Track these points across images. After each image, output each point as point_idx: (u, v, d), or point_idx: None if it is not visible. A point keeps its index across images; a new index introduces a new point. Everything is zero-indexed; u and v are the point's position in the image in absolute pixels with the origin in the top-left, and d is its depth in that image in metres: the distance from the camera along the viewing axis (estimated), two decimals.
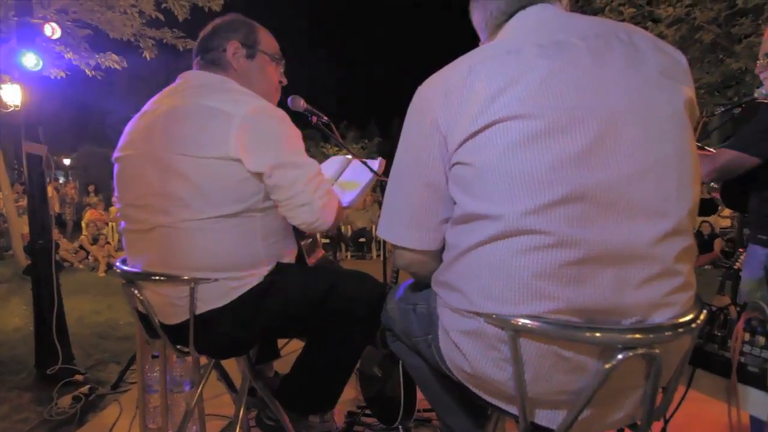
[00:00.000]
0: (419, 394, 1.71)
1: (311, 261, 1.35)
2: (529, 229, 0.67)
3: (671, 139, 0.70)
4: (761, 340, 0.91)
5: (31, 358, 2.75)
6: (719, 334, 0.98)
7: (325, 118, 1.59)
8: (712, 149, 1.68)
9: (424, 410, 1.97)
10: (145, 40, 6.49)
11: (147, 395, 1.58)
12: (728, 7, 5.69)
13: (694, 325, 0.69)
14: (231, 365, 1.56)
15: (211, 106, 1.05)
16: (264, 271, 1.12)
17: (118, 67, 6.79)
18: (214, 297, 1.07)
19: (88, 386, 2.48)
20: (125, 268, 1.13)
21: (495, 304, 0.70)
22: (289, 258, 1.22)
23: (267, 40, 1.26)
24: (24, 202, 6.48)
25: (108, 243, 7.00)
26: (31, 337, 2.78)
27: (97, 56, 6.58)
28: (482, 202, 0.71)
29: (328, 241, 7.85)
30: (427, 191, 0.79)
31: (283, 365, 1.71)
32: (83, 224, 8.20)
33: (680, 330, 0.67)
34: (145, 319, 1.17)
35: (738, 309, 0.98)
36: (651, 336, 0.65)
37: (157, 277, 1.07)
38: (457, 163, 0.74)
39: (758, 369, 0.90)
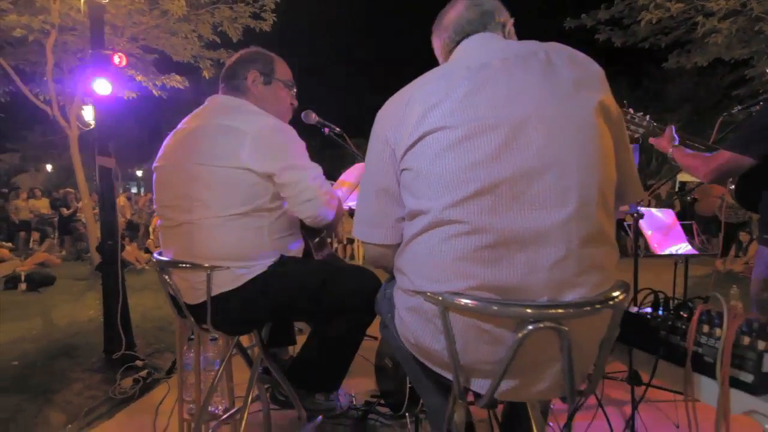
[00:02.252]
0: None
1: (318, 257, 1.52)
2: (450, 220, 0.80)
3: (574, 140, 0.80)
4: (718, 332, 0.95)
5: (101, 345, 3.15)
6: (683, 326, 1.02)
7: (338, 129, 1.78)
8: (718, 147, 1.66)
9: None
10: (203, 61, 7.12)
11: (185, 372, 1.82)
12: None
13: (605, 304, 0.77)
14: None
15: (227, 124, 1.28)
16: (269, 261, 1.30)
17: (180, 86, 7.49)
18: (226, 281, 1.27)
19: (146, 371, 2.81)
20: (159, 257, 1.37)
21: (429, 284, 0.83)
22: (295, 252, 1.40)
23: (282, 70, 1.48)
24: None
25: None
26: (102, 327, 3.18)
27: (162, 77, 7.31)
28: (419, 200, 0.86)
29: None
30: (383, 195, 0.95)
31: None
32: (150, 229, 9.03)
33: (586, 308, 0.75)
34: (175, 301, 1.40)
35: (702, 302, 1.02)
36: (553, 311, 0.74)
37: (182, 265, 1.29)
38: (404, 170, 0.89)
39: (713, 359, 0.94)
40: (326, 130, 1.75)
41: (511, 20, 1.01)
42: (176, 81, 7.42)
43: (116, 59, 3.05)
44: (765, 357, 0.87)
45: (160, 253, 1.39)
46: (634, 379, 1.92)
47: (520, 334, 0.75)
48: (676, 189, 10.71)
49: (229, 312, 1.29)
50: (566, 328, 0.75)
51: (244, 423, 1.48)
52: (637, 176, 0.98)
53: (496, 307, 0.76)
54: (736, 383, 0.89)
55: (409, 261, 0.89)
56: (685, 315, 1.05)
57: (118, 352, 3.03)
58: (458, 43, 0.98)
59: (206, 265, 1.25)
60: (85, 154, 6.98)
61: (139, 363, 2.96)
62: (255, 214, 1.27)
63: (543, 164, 0.79)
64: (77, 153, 6.75)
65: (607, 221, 0.83)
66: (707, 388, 0.93)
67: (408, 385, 1.81)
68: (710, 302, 0.99)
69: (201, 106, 1.42)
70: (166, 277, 1.34)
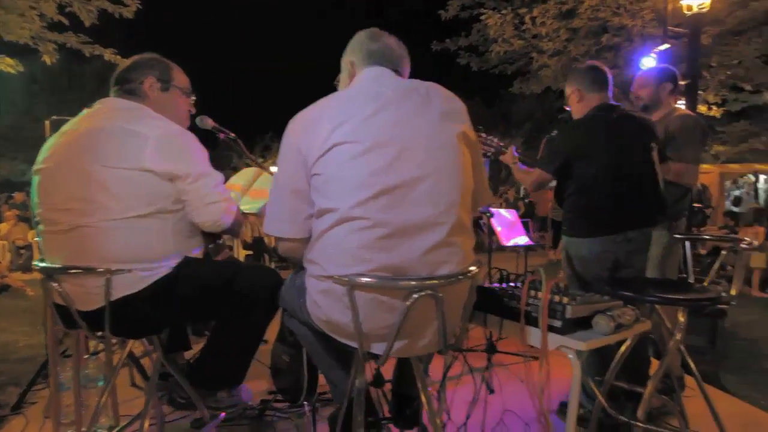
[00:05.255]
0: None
1: (217, 259, 1.57)
2: (355, 216, 1.02)
3: (444, 157, 1.08)
4: (540, 294, 1.32)
5: None
6: (518, 294, 1.38)
7: (232, 134, 1.83)
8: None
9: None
10: (45, 44, 6.09)
11: (60, 393, 1.66)
12: (596, 44, 6.82)
13: (466, 276, 1.06)
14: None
15: (128, 128, 1.29)
16: (173, 263, 1.33)
17: (12, 71, 6.28)
18: (127, 284, 1.26)
19: None
20: (44, 264, 1.28)
21: (337, 268, 1.03)
22: (197, 254, 1.44)
23: (180, 78, 1.52)
24: None
25: None
26: None
27: None
28: (328, 200, 1.05)
29: (251, 253, 7.82)
30: (295, 196, 1.11)
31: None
32: None
33: (453, 279, 1.03)
34: (62, 311, 1.32)
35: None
36: (432, 282, 1.00)
37: (76, 270, 1.24)
38: (314, 175, 1.07)
39: (537, 314, 1.30)
40: (221, 135, 1.79)
41: (408, 71, 1.28)
42: (7, 64, 6.20)
43: None
44: (567, 308, 1.25)
45: (41, 260, 1.29)
46: (490, 349, 2.42)
47: (408, 302, 0.99)
48: (521, 194, 12.74)
49: (132, 316, 1.28)
50: (441, 295, 1.01)
51: None
52: (488, 186, 1.31)
53: (391, 283, 0.99)
54: (551, 328, 1.27)
55: (320, 252, 1.07)
56: (520, 286, 1.41)
57: None
58: (362, 69, 1.20)
59: (104, 268, 1.23)
60: None
61: None
62: (158, 216, 1.29)
63: (423, 174, 1.04)
64: None
65: (466, 217, 1.12)
66: (535, 335, 1.29)
67: (306, 376, 1.94)
68: (535, 275, 1.36)
69: (92, 108, 1.38)
70: (55, 285, 1.26)
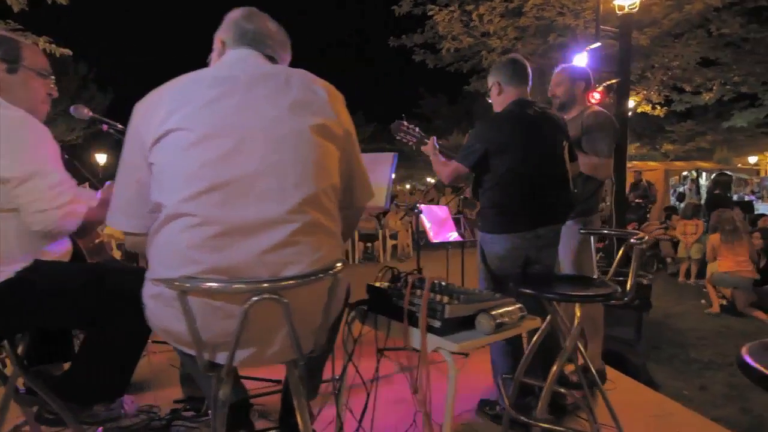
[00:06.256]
0: None
1: (93, 261, 1.44)
2: (184, 213, 0.92)
3: (291, 150, 0.98)
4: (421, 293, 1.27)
5: None
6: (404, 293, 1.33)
7: (119, 126, 1.69)
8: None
9: None
10: None
11: None
12: (544, 43, 6.95)
13: (314, 278, 0.96)
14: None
15: None
16: (15, 267, 1.20)
17: None
18: None
19: None
20: None
21: (167, 270, 0.93)
22: (57, 256, 1.30)
23: (33, 57, 1.36)
24: None
25: None
26: None
27: None
28: (161, 193, 0.95)
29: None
30: (137, 186, 1.01)
31: None
32: None
33: (296, 281, 0.94)
34: None
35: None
36: (271, 285, 0.92)
37: None
38: (151, 163, 0.97)
39: (419, 314, 1.25)
40: (105, 126, 1.65)
41: (288, 60, 1.19)
42: None
43: None
44: (446, 308, 1.21)
45: None
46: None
47: (245, 307, 0.90)
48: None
49: None
50: (286, 300, 0.92)
51: None
52: (367, 180, 1.22)
53: (223, 287, 0.90)
54: (431, 329, 1.22)
55: (153, 252, 0.97)
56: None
57: None
58: (235, 47, 1.10)
59: None
60: None
61: None
62: None
63: (265, 168, 0.95)
64: None
65: (323, 216, 1.01)
66: (416, 336, 1.24)
67: None
68: (423, 273, 1.32)
69: None
70: None
